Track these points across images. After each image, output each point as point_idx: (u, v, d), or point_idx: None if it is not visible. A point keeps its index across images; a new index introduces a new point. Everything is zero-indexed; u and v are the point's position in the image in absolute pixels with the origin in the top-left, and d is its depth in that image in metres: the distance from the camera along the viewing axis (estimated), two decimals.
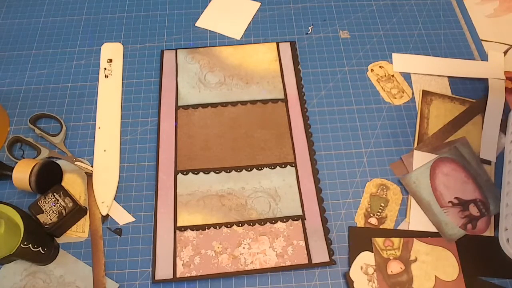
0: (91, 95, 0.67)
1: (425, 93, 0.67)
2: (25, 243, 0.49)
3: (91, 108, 0.66)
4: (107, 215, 0.57)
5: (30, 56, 0.71)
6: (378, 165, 0.61)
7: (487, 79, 0.69)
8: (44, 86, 0.68)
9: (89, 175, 0.60)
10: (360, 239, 0.56)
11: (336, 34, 0.74)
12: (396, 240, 0.55)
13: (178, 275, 0.53)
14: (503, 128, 0.64)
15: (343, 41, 0.73)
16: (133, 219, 0.57)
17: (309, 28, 0.74)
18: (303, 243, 0.55)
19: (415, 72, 0.69)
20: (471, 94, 0.67)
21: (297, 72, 0.69)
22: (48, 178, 0.57)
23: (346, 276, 0.53)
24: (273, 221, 0.57)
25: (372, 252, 0.55)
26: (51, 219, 0.53)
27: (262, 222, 0.57)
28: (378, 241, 0.55)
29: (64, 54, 0.71)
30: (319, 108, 0.66)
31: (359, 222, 0.57)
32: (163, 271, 0.53)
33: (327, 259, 0.54)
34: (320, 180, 0.60)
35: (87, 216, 0.57)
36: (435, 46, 0.72)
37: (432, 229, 0.57)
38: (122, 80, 0.68)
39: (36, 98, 0.67)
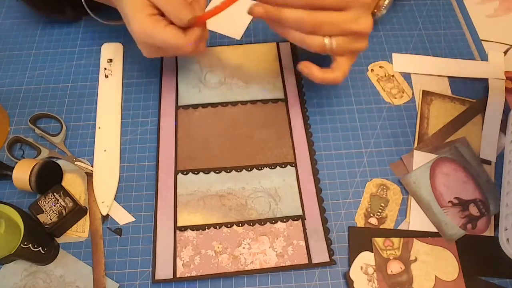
0: (91, 95, 0.67)
1: (425, 93, 0.67)
2: (25, 243, 0.49)
3: (91, 108, 0.66)
4: (107, 215, 0.57)
5: (30, 56, 0.71)
6: (378, 165, 0.61)
7: (487, 79, 0.68)
8: (44, 86, 0.68)
9: (89, 175, 0.60)
10: (360, 239, 0.56)
11: None
12: (396, 240, 0.55)
13: (178, 275, 0.53)
14: (503, 128, 0.64)
15: None
16: (133, 219, 0.57)
17: None
18: (303, 243, 0.55)
19: (415, 72, 0.69)
20: (471, 94, 0.67)
21: (297, 72, 0.68)
22: (48, 178, 0.57)
23: (346, 276, 0.53)
24: (273, 221, 0.57)
25: (372, 252, 0.55)
26: (51, 219, 0.53)
27: (262, 222, 0.57)
28: (378, 241, 0.55)
29: (64, 54, 0.71)
30: (319, 108, 0.66)
31: (359, 222, 0.57)
32: (163, 271, 0.53)
33: (327, 259, 0.54)
34: (320, 180, 0.60)
35: (87, 216, 0.57)
36: (435, 46, 0.72)
37: (432, 229, 0.57)
38: (122, 80, 0.68)
39: (36, 98, 0.67)
